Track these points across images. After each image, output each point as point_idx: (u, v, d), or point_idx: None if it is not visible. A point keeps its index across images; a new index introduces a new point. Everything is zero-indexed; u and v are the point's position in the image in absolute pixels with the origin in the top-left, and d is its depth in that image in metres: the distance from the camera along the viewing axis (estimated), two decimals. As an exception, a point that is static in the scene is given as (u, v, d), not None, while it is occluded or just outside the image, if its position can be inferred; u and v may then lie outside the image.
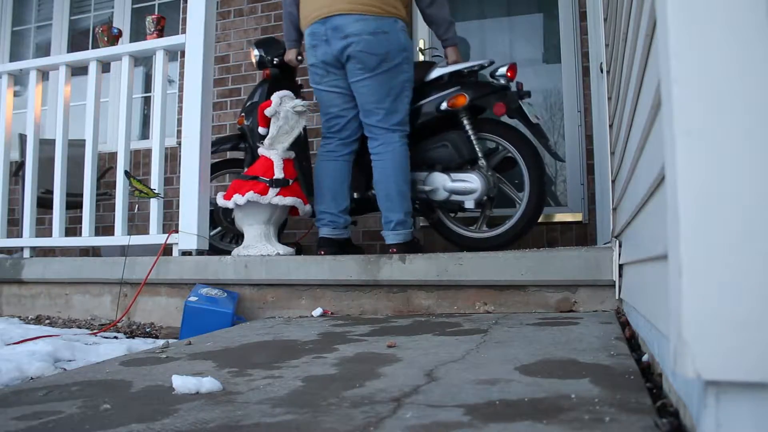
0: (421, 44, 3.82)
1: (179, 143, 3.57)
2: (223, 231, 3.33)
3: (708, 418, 0.63)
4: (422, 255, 2.32)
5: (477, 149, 2.78)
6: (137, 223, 3.95)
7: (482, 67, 2.85)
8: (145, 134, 4.61)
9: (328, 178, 2.72)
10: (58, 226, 2.99)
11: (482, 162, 2.78)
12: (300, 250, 2.80)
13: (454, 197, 2.80)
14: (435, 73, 2.85)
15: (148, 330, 2.57)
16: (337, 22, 2.49)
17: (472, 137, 2.77)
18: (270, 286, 2.50)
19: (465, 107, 2.74)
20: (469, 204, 2.76)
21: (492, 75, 2.80)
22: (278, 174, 2.66)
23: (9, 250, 3.35)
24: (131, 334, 2.49)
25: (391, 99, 2.57)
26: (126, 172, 2.82)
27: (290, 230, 3.90)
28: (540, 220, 3.62)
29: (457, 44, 2.79)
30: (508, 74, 2.72)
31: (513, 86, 2.76)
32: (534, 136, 2.71)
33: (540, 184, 2.73)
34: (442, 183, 2.81)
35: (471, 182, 2.76)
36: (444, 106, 2.75)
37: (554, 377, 1.09)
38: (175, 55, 3.58)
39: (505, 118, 2.82)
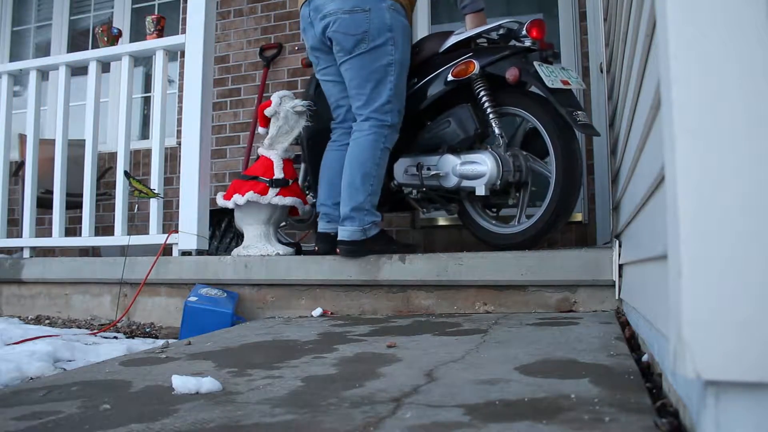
0: None
1: (179, 143, 3.57)
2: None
3: (707, 418, 0.63)
4: (422, 255, 2.32)
5: (494, 124, 2.37)
6: (137, 223, 3.95)
7: (506, 30, 2.43)
8: (145, 134, 4.60)
9: (327, 169, 2.57)
10: (58, 226, 2.99)
11: (500, 140, 2.36)
12: (300, 250, 2.80)
13: (465, 183, 2.41)
14: (449, 42, 2.50)
15: (147, 330, 2.57)
16: (317, 2, 2.36)
17: (489, 111, 2.38)
18: (270, 286, 2.50)
19: (478, 76, 2.36)
20: (480, 190, 2.35)
21: (516, 38, 2.42)
22: (278, 174, 2.66)
23: (9, 250, 3.35)
24: (131, 334, 2.49)
25: (371, 84, 2.33)
26: (126, 173, 2.82)
27: (290, 230, 3.90)
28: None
29: (479, 10, 2.45)
30: (530, 34, 2.32)
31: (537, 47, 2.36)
32: (556, 104, 2.18)
33: (571, 160, 2.23)
34: (451, 167, 2.44)
35: (480, 163, 2.35)
36: (449, 77, 2.42)
37: (554, 377, 1.09)
38: (175, 55, 3.58)
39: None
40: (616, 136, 2.21)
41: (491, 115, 2.37)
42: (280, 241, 2.78)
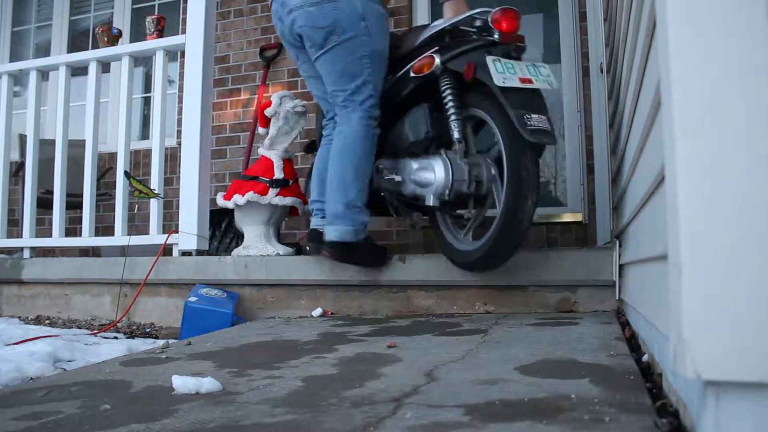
0: None
1: (179, 143, 3.57)
2: None
3: (708, 418, 0.63)
4: (422, 255, 2.32)
5: (453, 127, 2.08)
6: (137, 224, 3.95)
7: (482, 22, 2.13)
8: (145, 134, 4.60)
9: (319, 164, 2.40)
10: (58, 227, 2.99)
11: (458, 144, 2.08)
12: (300, 251, 2.79)
13: (419, 190, 2.17)
14: (424, 36, 2.27)
15: (148, 330, 2.57)
16: None
17: (450, 112, 2.10)
18: (270, 287, 2.51)
19: (442, 72, 2.10)
20: (429, 200, 2.11)
21: (486, 28, 2.12)
22: (278, 174, 2.66)
23: (9, 251, 3.35)
24: (131, 335, 2.49)
25: (348, 78, 2.15)
26: (126, 173, 2.82)
27: (290, 230, 3.90)
28: (540, 221, 3.63)
29: None
30: (495, 25, 1.99)
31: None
32: (505, 104, 1.87)
33: (518, 171, 1.87)
34: (407, 172, 2.21)
35: (428, 170, 2.10)
36: (411, 73, 2.19)
37: (554, 377, 1.09)
38: (175, 55, 3.58)
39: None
40: (616, 136, 2.21)
41: (452, 117, 2.09)
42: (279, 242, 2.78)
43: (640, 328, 1.48)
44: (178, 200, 2.74)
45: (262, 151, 2.74)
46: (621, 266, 1.99)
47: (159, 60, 2.88)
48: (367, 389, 1.08)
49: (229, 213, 2.94)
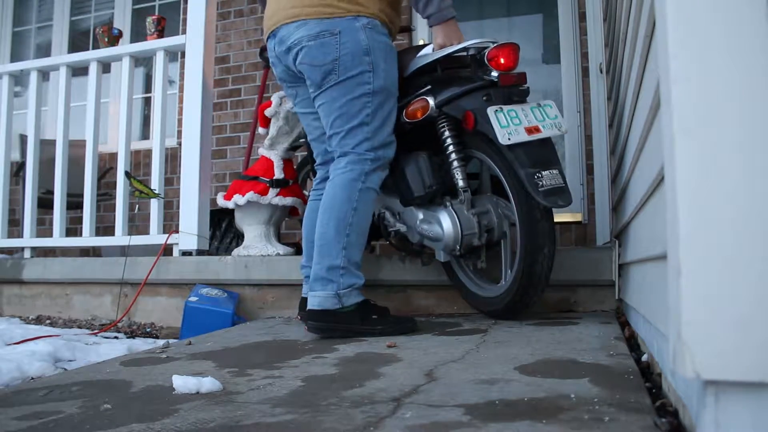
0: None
1: (180, 143, 3.57)
2: None
3: (707, 417, 0.63)
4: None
5: (457, 175, 1.92)
6: (138, 224, 3.95)
7: (476, 51, 1.91)
8: (145, 134, 4.61)
9: (307, 222, 2.11)
10: (59, 227, 2.99)
11: (463, 194, 1.92)
12: (300, 251, 2.80)
13: (427, 242, 2.02)
14: (412, 67, 2.04)
15: (148, 330, 2.57)
16: (281, 34, 1.94)
17: (452, 159, 1.93)
18: (270, 286, 2.51)
19: (437, 115, 1.92)
20: (439, 256, 2.00)
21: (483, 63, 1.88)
22: (278, 174, 2.66)
23: (10, 251, 3.35)
24: (131, 334, 2.49)
25: (345, 119, 1.88)
26: (126, 173, 2.82)
27: (290, 230, 3.90)
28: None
29: (449, 19, 1.91)
30: (492, 64, 1.81)
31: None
32: (515, 164, 1.73)
33: (533, 228, 1.76)
34: (414, 221, 2.03)
35: (435, 224, 1.94)
36: (403, 117, 1.99)
37: (554, 377, 1.09)
38: (176, 55, 3.58)
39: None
40: (615, 136, 2.21)
41: (454, 163, 1.92)
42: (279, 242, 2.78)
43: (639, 328, 1.48)
44: (179, 200, 2.74)
45: (262, 151, 2.75)
46: (620, 266, 1.99)
47: (159, 60, 2.88)
48: (367, 389, 1.08)
49: (229, 213, 2.94)
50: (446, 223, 1.91)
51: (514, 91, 1.82)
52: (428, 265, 2.19)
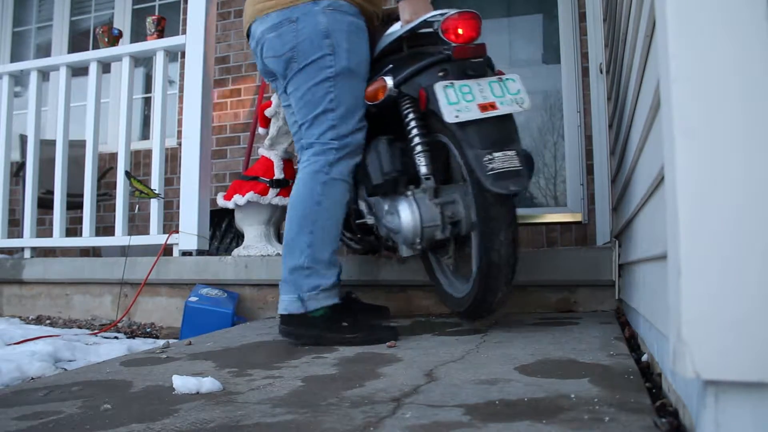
0: None
1: (180, 143, 3.57)
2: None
3: (707, 417, 0.63)
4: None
5: (419, 161, 1.73)
6: (138, 224, 3.95)
7: (433, 24, 1.72)
8: (145, 135, 4.61)
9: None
10: (59, 227, 2.99)
11: (427, 182, 1.73)
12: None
13: (392, 236, 1.85)
14: (379, 46, 1.91)
15: (148, 330, 2.57)
16: (252, 31, 1.90)
17: (415, 142, 1.74)
18: (270, 287, 2.51)
19: (398, 96, 1.75)
20: (401, 250, 1.81)
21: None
22: (278, 174, 2.66)
23: (10, 251, 3.35)
24: (131, 334, 2.49)
25: (307, 109, 1.80)
26: (126, 173, 2.83)
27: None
28: (539, 221, 3.63)
29: None
30: (447, 34, 1.65)
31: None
32: (463, 144, 1.56)
33: (488, 222, 1.58)
34: (380, 213, 1.88)
35: (395, 216, 1.77)
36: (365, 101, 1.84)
37: (554, 377, 1.09)
38: (176, 55, 3.58)
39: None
40: (615, 136, 2.21)
41: (417, 148, 1.74)
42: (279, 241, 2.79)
43: (639, 328, 1.48)
44: (179, 200, 2.74)
45: (262, 151, 2.75)
46: (620, 266, 1.99)
47: (159, 60, 2.88)
48: (367, 389, 1.08)
49: (229, 213, 2.94)
50: (404, 213, 1.74)
51: (469, 64, 1.63)
52: (403, 262, 1.99)
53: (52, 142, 3.13)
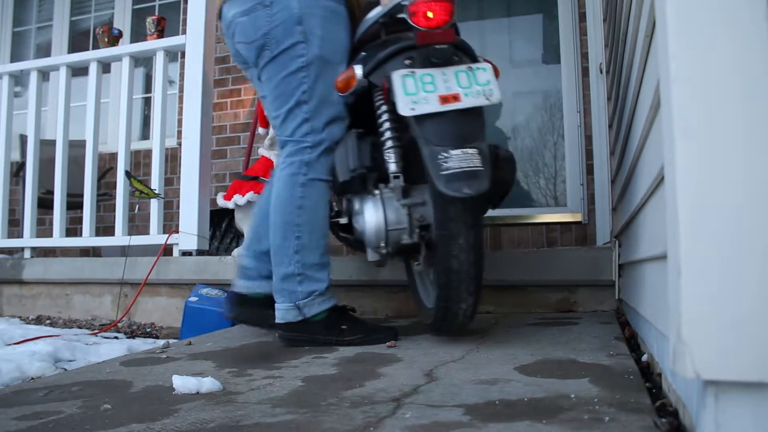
0: None
1: (180, 144, 3.57)
2: None
3: (707, 417, 0.63)
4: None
5: (389, 157, 1.58)
6: (138, 224, 3.95)
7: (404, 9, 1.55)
8: (145, 135, 4.60)
9: (257, 207, 1.95)
10: (59, 227, 2.99)
11: (395, 181, 1.57)
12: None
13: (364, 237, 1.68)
14: (357, 34, 1.76)
15: (148, 330, 2.57)
16: (223, 14, 1.80)
17: (387, 137, 1.59)
18: (270, 287, 2.50)
19: (369, 86, 1.61)
20: (368, 254, 1.66)
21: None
22: (278, 174, 2.66)
23: (10, 251, 3.35)
24: (131, 335, 2.49)
25: (280, 101, 1.70)
26: (127, 173, 2.83)
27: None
28: (539, 221, 3.63)
29: None
30: (414, 18, 1.50)
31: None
32: (418, 139, 1.43)
33: (446, 228, 1.42)
34: (352, 213, 1.72)
35: (361, 216, 1.63)
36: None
37: (554, 377, 1.09)
38: (176, 55, 3.58)
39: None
40: (615, 136, 2.21)
41: (387, 143, 1.59)
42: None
43: (639, 328, 1.48)
44: (179, 200, 2.74)
45: (262, 151, 2.75)
46: (620, 266, 1.99)
47: (159, 60, 2.88)
48: (367, 389, 1.08)
49: (229, 213, 2.94)
50: (368, 214, 1.60)
51: (433, 51, 1.48)
52: (383, 266, 1.82)
53: (52, 142, 3.13)
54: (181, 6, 4.38)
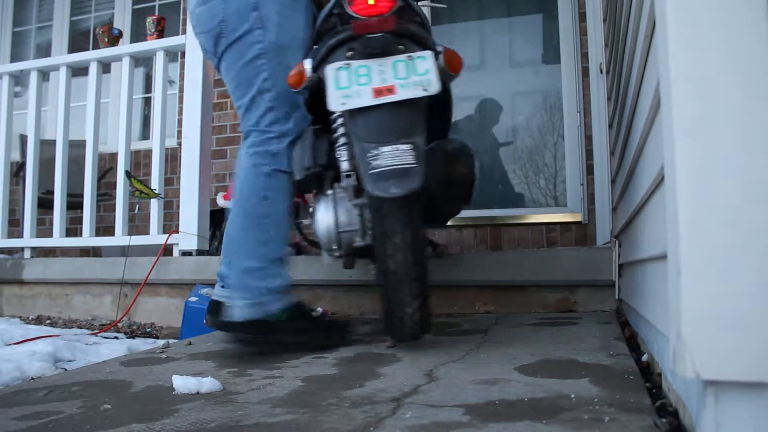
0: None
1: (180, 144, 3.57)
2: None
3: (707, 417, 0.63)
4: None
5: (341, 155, 1.52)
6: (138, 224, 3.95)
7: None
8: (145, 135, 4.60)
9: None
10: (59, 227, 2.99)
11: (347, 180, 1.51)
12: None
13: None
14: (318, 23, 1.64)
15: (148, 330, 2.57)
16: (187, 5, 1.74)
17: (339, 133, 1.51)
18: (270, 287, 2.50)
19: (319, 81, 1.47)
20: (323, 256, 1.63)
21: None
22: (278, 174, 2.66)
23: (10, 251, 3.35)
24: (131, 335, 2.49)
25: (241, 90, 1.64)
26: (127, 173, 2.83)
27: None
28: (539, 221, 3.63)
29: None
30: (353, 6, 1.44)
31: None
32: (350, 134, 1.42)
33: (381, 214, 1.36)
34: (310, 213, 1.68)
35: (313, 219, 1.60)
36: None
37: (554, 377, 1.09)
38: (176, 55, 3.58)
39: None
40: (615, 136, 2.21)
41: (340, 140, 1.51)
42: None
43: (639, 328, 1.48)
44: (179, 200, 2.74)
45: (262, 151, 2.74)
46: (620, 266, 1.99)
47: (159, 60, 2.88)
48: (367, 389, 1.08)
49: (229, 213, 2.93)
50: (319, 215, 1.55)
51: (369, 41, 1.38)
52: (350, 268, 1.74)
53: (52, 142, 3.13)
54: (181, 6, 4.38)
